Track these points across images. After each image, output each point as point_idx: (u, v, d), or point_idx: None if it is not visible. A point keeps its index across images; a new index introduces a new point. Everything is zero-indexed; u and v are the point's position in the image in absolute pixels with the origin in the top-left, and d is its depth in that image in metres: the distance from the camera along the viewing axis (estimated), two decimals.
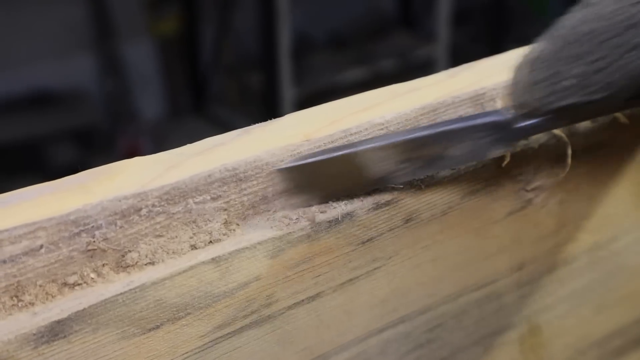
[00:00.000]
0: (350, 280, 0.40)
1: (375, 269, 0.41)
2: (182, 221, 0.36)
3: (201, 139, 0.38)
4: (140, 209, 0.34)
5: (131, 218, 0.34)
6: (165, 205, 0.35)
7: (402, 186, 0.39)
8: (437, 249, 0.42)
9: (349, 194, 0.38)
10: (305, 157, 0.37)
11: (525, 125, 0.38)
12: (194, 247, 0.36)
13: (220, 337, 0.37)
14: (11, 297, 0.32)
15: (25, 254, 0.32)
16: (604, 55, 0.35)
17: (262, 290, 0.38)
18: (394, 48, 2.70)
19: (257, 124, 0.40)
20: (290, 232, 0.37)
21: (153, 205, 0.34)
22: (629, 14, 0.35)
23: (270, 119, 0.40)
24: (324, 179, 0.37)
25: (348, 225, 0.39)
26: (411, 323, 0.44)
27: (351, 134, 0.39)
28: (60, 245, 0.33)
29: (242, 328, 0.38)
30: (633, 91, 0.37)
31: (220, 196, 0.36)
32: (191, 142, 0.38)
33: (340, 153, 0.37)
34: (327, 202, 0.38)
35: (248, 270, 0.37)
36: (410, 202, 0.40)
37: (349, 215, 0.38)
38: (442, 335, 0.45)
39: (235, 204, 0.37)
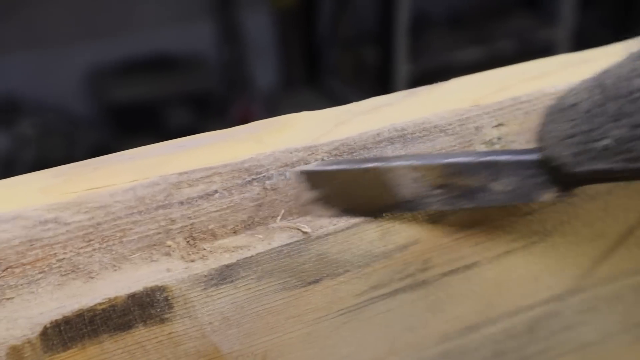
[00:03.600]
0: (507, 252, 0.39)
1: (533, 242, 0.40)
2: None
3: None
4: (310, 163, 0.34)
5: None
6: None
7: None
8: (598, 228, 0.41)
9: (372, 212, 0.35)
10: (332, 163, 0.34)
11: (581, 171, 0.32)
12: None
13: (375, 297, 0.37)
14: (185, 239, 0.33)
15: (201, 197, 0.33)
16: None
17: (419, 254, 0.37)
18: (513, 29, 2.61)
19: (423, 87, 0.39)
20: None
21: (322, 159, 0.35)
22: None
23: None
24: (348, 190, 0.34)
25: None
26: (563, 303, 0.42)
27: (521, 102, 0.37)
28: (233, 191, 0.33)
29: (396, 291, 0.38)
30: None
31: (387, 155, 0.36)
32: None
33: (371, 165, 0.34)
34: (347, 215, 0.35)
35: (408, 233, 0.36)
36: None
37: None
38: (593, 319, 0.44)
39: None
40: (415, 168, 0.34)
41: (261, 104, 2.40)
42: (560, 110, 0.32)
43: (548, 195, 0.34)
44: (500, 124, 0.37)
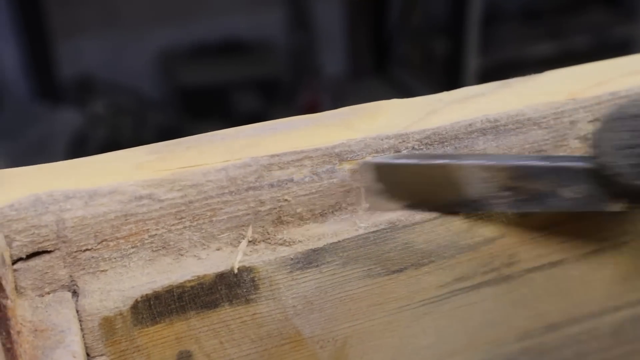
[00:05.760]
0: (596, 251, 0.38)
1: (623, 242, 0.39)
2: None
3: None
4: (400, 151, 0.34)
5: None
6: (424, 149, 0.34)
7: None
8: None
9: (437, 209, 0.34)
10: (401, 157, 0.33)
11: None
12: None
13: (458, 289, 0.37)
14: (273, 221, 0.33)
15: (291, 180, 0.33)
16: None
17: (506, 248, 0.37)
18: (589, 24, 2.54)
19: (516, 78, 0.38)
20: None
21: (413, 148, 0.34)
22: None
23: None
24: (416, 185, 0.34)
25: None
26: None
27: (620, 98, 0.36)
28: (322, 176, 0.33)
29: (480, 284, 0.37)
30: None
31: (482, 147, 0.35)
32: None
33: (441, 162, 0.33)
34: (411, 210, 0.34)
35: (496, 226, 0.36)
36: None
37: None
38: None
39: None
40: (485, 168, 0.33)
41: (328, 92, 2.40)
42: (620, 119, 0.31)
43: (618, 206, 0.33)
44: (596, 119, 0.36)
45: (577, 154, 0.36)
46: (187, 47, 2.36)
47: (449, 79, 2.25)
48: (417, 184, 0.34)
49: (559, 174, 0.33)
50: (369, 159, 0.34)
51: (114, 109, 2.16)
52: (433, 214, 0.35)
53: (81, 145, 2.01)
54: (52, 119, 1.99)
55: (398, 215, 0.34)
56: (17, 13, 2.04)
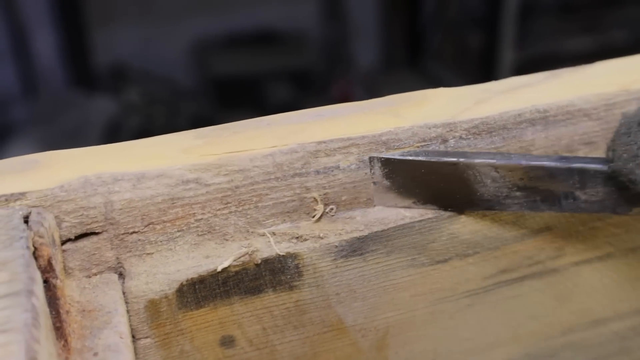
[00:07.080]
0: None
1: None
2: None
3: None
4: (447, 140, 0.34)
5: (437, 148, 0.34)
6: (472, 139, 0.34)
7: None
8: None
9: (447, 206, 0.34)
10: (412, 154, 0.33)
11: None
12: None
13: (502, 281, 0.36)
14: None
15: (337, 167, 0.33)
16: None
17: (552, 241, 0.36)
18: (627, 19, 2.50)
19: (565, 69, 0.37)
20: None
21: (460, 137, 0.34)
22: None
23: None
24: (426, 182, 0.33)
25: None
26: None
27: None
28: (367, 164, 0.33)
29: (524, 277, 0.37)
30: None
31: (531, 138, 0.35)
32: None
33: (452, 159, 0.32)
34: (420, 208, 0.33)
35: (543, 218, 0.35)
36: None
37: None
38: None
39: (540, 147, 0.35)
40: (496, 167, 0.32)
41: (360, 84, 2.39)
42: (636, 124, 0.29)
43: (636, 210, 0.31)
44: None
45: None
46: (221, 37, 2.37)
47: (483, 72, 2.23)
48: (426, 182, 0.33)
49: (574, 175, 0.32)
50: (377, 154, 0.33)
51: (148, 97, 2.18)
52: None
53: (115, 133, 2.03)
54: (87, 107, 2.01)
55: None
56: (54, 2, 2.07)
